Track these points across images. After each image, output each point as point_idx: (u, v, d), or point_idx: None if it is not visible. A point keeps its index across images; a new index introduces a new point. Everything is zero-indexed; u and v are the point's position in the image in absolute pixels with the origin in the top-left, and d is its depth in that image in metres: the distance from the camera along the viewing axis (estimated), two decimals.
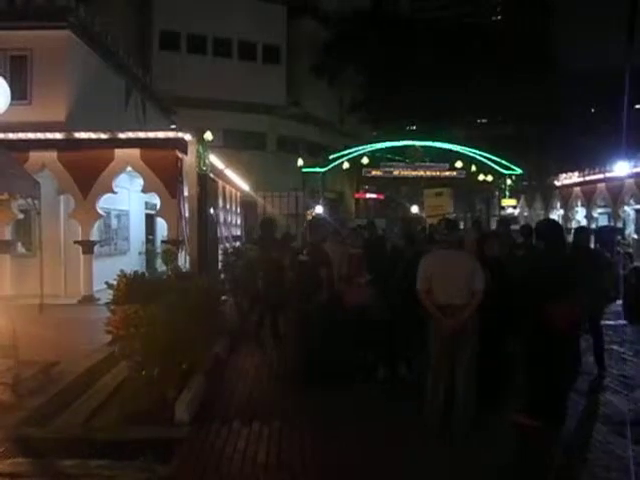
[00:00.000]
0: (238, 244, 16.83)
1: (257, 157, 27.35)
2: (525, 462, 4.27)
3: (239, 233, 18.33)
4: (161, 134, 10.85)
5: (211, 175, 11.49)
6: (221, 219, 14.80)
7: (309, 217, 21.06)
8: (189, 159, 10.15)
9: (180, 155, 10.48)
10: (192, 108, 23.69)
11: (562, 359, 4.77)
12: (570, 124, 26.71)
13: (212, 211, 10.81)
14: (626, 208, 21.86)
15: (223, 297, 8.29)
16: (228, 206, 16.60)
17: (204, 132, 17.20)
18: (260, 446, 4.40)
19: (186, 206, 10.29)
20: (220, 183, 14.71)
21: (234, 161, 17.44)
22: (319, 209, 24.48)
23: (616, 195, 21.39)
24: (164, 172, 10.46)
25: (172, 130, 11.49)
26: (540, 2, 62.56)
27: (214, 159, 12.55)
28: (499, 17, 74.08)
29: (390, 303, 5.62)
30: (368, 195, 38.04)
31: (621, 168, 19.79)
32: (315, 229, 6.11)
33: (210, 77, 26.30)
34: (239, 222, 18.99)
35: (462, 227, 22.61)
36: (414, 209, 29.42)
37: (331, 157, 26.71)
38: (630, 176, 19.95)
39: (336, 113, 34.07)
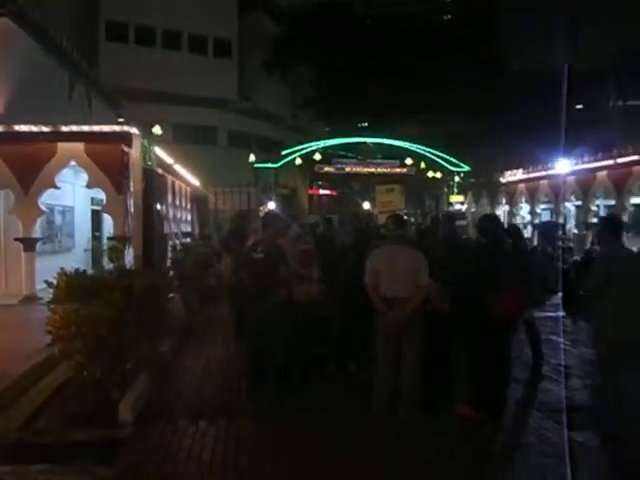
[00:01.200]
0: (188, 240, 16.58)
1: (208, 152, 26.98)
2: (468, 452, 4.40)
3: (189, 229, 18.05)
4: (106, 128, 10.53)
5: (159, 170, 11.27)
6: (170, 215, 14.54)
7: (262, 213, 20.95)
8: (134, 153, 9.91)
9: (126, 149, 10.21)
10: (141, 102, 23.10)
11: (503, 350, 4.94)
12: (516, 123, 27.55)
13: (159, 207, 10.60)
14: (567, 204, 22.81)
15: (170, 295, 8.15)
16: (178, 202, 16.30)
17: (153, 126, 16.85)
18: (205, 445, 4.36)
19: (132, 202, 10.06)
20: (169, 178, 14.44)
21: (184, 156, 17.15)
22: (272, 205, 24.39)
23: (558, 192, 22.28)
24: (109, 167, 10.16)
25: (119, 124, 11.19)
26: (488, 5, 64.23)
27: (163, 154, 12.31)
28: (449, 16, 75.67)
29: (338, 299, 5.67)
30: (321, 191, 38.19)
31: (562, 166, 20.60)
32: (270, 225, 5.90)
33: (159, 70, 25.67)
34: (189, 218, 18.69)
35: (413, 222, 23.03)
36: (366, 205, 29.72)
37: (283, 153, 26.65)
38: (571, 174, 20.81)
39: (289, 109, 34.00)
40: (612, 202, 20.16)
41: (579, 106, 37.37)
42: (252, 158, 25.18)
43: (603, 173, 20.12)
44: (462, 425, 4.73)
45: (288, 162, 26.71)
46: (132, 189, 10.19)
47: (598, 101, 37.73)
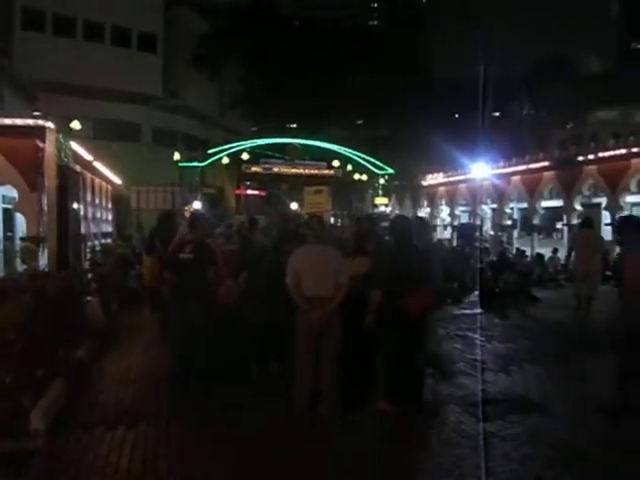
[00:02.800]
0: (109, 241, 15.97)
1: (131, 149, 26.10)
2: (388, 445, 4.53)
3: (109, 229, 17.37)
4: (19, 121, 9.89)
5: (77, 167, 10.77)
6: (89, 215, 13.93)
7: (187, 213, 20.51)
8: (49, 149, 9.41)
9: (41, 145, 9.67)
10: (59, 95, 21.99)
11: (415, 345, 5.12)
12: (438, 128, 28.66)
13: (76, 206, 10.13)
14: (484, 207, 23.96)
15: (88, 298, 7.83)
16: (97, 201, 15.64)
17: (71, 120, 16.07)
18: (123, 452, 4.23)
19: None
20: (88, 176, 13.83)
21: (105, 153, 16.50)
22: (198, 205, 23.93)
23: (475, 195, 23.35)
24: (22, 163, 9.55)
25: (33, 117, 10.58)
26: (413, 12, 66.27)
27: (81, 150, 11.77)
28: (376, 22, 77.30)
29: (260, 300, 5.66)
30: (249, 191, 37.88)
31: (479, 170, 21.61)
32: (198, 225, 5.72)
33: (80, 62, 24.48)
34: (110, 218, 17.99)
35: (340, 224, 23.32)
36: (294, 206, 29.83)
37: (210, 152, 26.23)
38: (487, 178, 21.88)
39: (216, 107, 33.50)
40: (525, 205, 21.40)
41: (496, 113, 39.49)
42: (177, 156, 24.60)
43: (517, 178, 21.32)
44: (381, 420, 4.87)
45: (215, 161, 26.31)
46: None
47: (513, 109, 40.00)
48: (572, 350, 7.60)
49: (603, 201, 18.42)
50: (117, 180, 17.96)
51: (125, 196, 20.17)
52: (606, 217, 18.10)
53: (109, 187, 17.96)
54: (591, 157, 18.27)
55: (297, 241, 5.28)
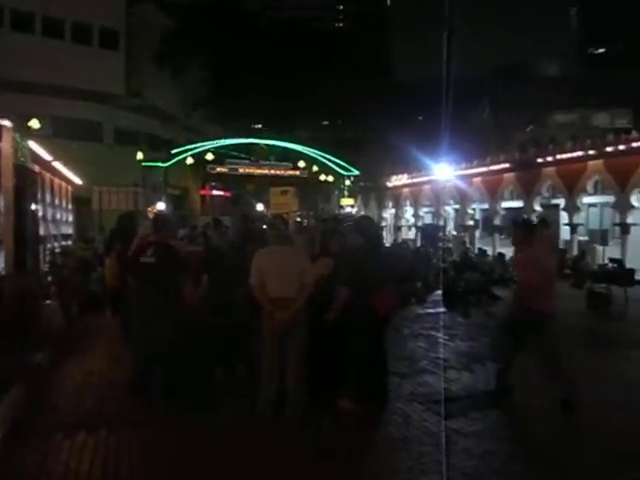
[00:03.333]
0: (69, 243, 15.61)
1: (92, 149, 25.54)
2: (351, 444, 4.56)
3: (70, 231, 16.95)
4: None
5: (35, 167, 10.48)
6: (48, 216, 13.58)
7: (151, 214, 20.19)
8: (4, 148, 9.13)
9: None
10: (17, 92, 21.36)
11: (380, 343, 5.18)
12: (402, 129, 29.03)
13: (34, 207, 9.85)
14: (447, 207, 24.37)
15: (47, 301, 7.63)
16: (57, 202, 15.25)
17: (30, 119, 15.61)
18: (84, 457, 4.13)
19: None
20: (47, 176, 13.48)
21: (65, 152, 16.09)
22: (161, 205, 23.60)
23: (438, 196, 23.74)
24: None
25: None
26: (379, 15, 66.84)
27: (40, 149, 11.45)
28: (341, 24, 77.72)
29: (222, 301, 5.62)
30: (215, 192, 37.53)
31: (443, 172, 21.98)
32: (161, 226, 5.52)
33: (38, 59, 23.84)
34: (70, 219, 17.56)
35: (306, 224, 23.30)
36: (260, 207, 29.73)
37: (174, 152, 25.91)
38: (450, 179, 22.28)
39: (180, 106, 33.08)
40: (486, 206, 21.86)
41: (459, 116, 40.13)
42: (140, 156, 24.19)
43: (478, 179, 21.76)
44: (345, 419, 4.90)
45: (179, 162, 26.00)
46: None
47: (475, 112, 40.82)
48: (533, 347, 7.79)
49: (562, 202, 18.98)
50: (78, 180, 17.54)
51: (86, 197, 19.70)
52: (564, 218, 18.66)
53: (69, 187, 17.53)
54: (550, 159, 18.81)
55: (260, 242, 5.26)
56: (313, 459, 4.25)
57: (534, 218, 19.53)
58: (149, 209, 22.35)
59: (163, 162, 25.65)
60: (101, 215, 20.14)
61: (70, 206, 17.74)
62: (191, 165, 27.06)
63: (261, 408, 4.77)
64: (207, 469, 4.03)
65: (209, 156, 26.37)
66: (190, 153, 25.90)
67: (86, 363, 6.85)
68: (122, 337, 7.32)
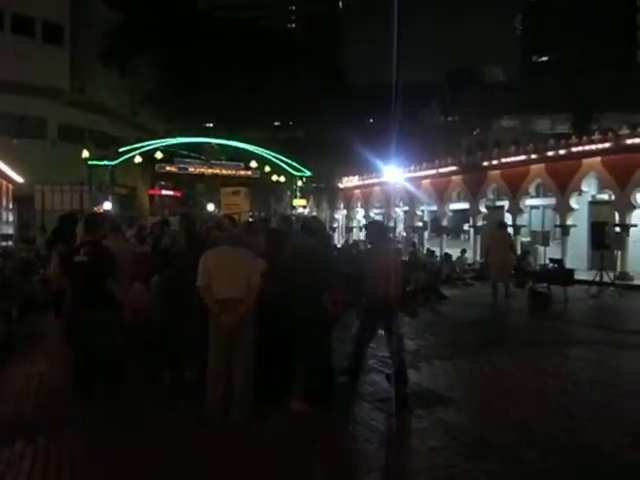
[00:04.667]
0: (10, 243, 15.02)
1: (35, 146, 24.65)
2: (299, 445, 4.59)
3: (10, 231, 16.30)
4: None
5: None
6: None
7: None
8: None
9: None
10: None
11: (329, 343, 5.23)
12: (353, 131, 29.31)
13: None
14: (397, 209, 24.79)
15: None
16: None
17: None
18: (22, 467, 3.98)
19: None
20: None
21: (6, 149, 15.49)
22: (108, 205, 23.00)
23: (388, 197, 24.11)
24: None
25: None
26: (331, 16, 67.21)
27: None
28: (294, 25, 77.78)
29: (171, 303, 5.54)
30: (164, 192, 36.85)
31: (393, 174, 22.34)
32: (93, 225, 5.39)
33: None
34: (11, 219, 16.88)
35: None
36: (210, 207, 29.38)
37: (121, 150, 25.27)
38: (400, 181, 22.67)
39: (128, 104, 32.30)
40: (434, 208, 22.37)
41: (409, 119, 40.94)
42: (86, 154, 23.48)
43: (427, 181, 22.24)
44: (293, 420, 4.93)
45: (127, 160, 25.38)
46: None
47: (425, 115, 41.74)
48: (477, 345, 8.05)
49: (506, 204, 19.62)
50: (19, 178, 16.90)
51: (29, 196, 18.99)
52: (508, 219, 19.30)
53: (10, 186, 16.87)
54: (495, 162, 19.43)
55: (207, 243, 5.21)
56: (257, 460, 4.26)
57: (482, 220, 20.20)
58: (95, 209, 21.74)
59: (110, 160, 24.97)
60: (44, 215, 19.43)
61: (11, 205, 17.07)
62: (139, 164, 26.48)
63: (208, 410, 4.73)
64: (152, 476, 3.97)
65: (158, 155, 25.87)
66: (138, 152, 25.33)
67: (25, 368, 6.60)
68: (64, 340, 7.09)
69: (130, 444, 4.41)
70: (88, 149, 24.39)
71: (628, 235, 15.28)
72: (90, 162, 23.98)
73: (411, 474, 4.09)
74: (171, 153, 27.50)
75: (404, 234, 23.93)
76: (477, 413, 5.38)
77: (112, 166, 25.14)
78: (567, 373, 6.71)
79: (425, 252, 17.91)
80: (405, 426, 4.96)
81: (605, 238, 13.82)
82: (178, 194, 37.07)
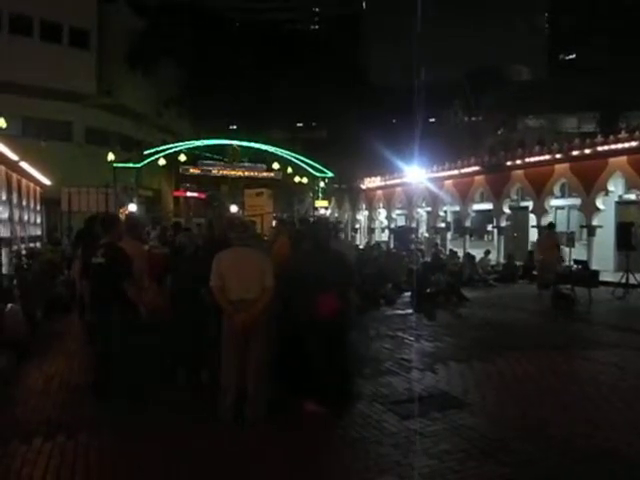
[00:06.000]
0: (38, 245, 15.37)
1: (62, 149, 25.19)
2: (312, 445, 4.60)
3: (38, 233, 16.69)
4: None
5: (1, 167, 10.33)
6: (15, 217, 13.36)
7: (122, 216, 19.97)
8: None
9: None
10: None
11: (336, 345, 5.21)
12: (375, 132, 29.24)
13: None
14: (419, 210, 24.62)
15: (9, 305, 7.50)
16: (24, 202, 15.01)
17: None
18: (38, 464, 4.08)
19: None
20: (14, 177, 13.27)
21: (34, 152, 15.84)
22: (133, 207, 23.35)
23: (411, 198, 23.96)
24: None
25: None
26: (353, 19, 67.08)
27: (5, 149, 11.28)
28: (317, 27, 77.90)
29: (185, 304, 5.61)
30: (189, 194, 37.27)
31: (415, 174, 22.20)
32: (111, 226, 5.47)
33: (6, 58, 23.44)
34: (38, 221, 17.28)
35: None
36: (233, 209, 29.59)
37: (146, 152, 25.64)
38: (423, 182, 22.53)
39: (153, 106, 32.78)
40: (457, 208, 22.15)
41: (432, 119, 40.74)
42: (111, 157, 23.89)
43: (450, 182, 22.03)
44: (306, 421, 4.94)
45: (151, 162, 25.75)
46: None
47: (448, 115, 41.39)
48: (495, 347, 7.95)
49: (530, 204, 19.33)
50: (46, 181, 17.29)
51: (56, 198, 19.40)
52: (532, 220, 19.03)
53: (37, 188, 17.27)
54: (519, 162, 19.15)
55: (223, 244, 5.26)
56: (270, 460, 4.29)
57: (505, 220, 19.93)
58: (121, 211, 22.11)
59: (135, 163, 25.36)
60: (71, 217, 19.85)
61: (38, 207, 17.47)
62: (164, 166, 26.82)
63: (222, 410, 4.78)
64: (165, 475, 4.03)
65: (182, 157, 26.16)
66: (163, 154, 25.66)
67: (47, 368, 6.76)
68: (85, 340, 7.24)
69: (144, 443, 4.49)
70: (114, 152, 24.82)
71: None
72: (116, 165, 24.40)
73: (422, 477, 4.06)
74: (195, 155, 27.80)
75: (426, 235, 23.77)
76: (492, 416, 5.31)
77: (137, 168, 25.54)
78: (587, 376, 6.59)
79: (447, 253, 17.75)
80: (418, 429, 4.93)
81: (631, 239, 13.51)
82: (202, 196, 37.43)
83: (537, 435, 4.81)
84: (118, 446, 4.49)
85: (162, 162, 25.90)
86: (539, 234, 18.15)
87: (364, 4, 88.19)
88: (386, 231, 25.77)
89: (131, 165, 25.28)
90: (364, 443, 4.68)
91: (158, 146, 26.29)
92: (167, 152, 25.76)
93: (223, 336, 4.76)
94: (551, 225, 14.83)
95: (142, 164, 25.49)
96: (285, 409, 5.11)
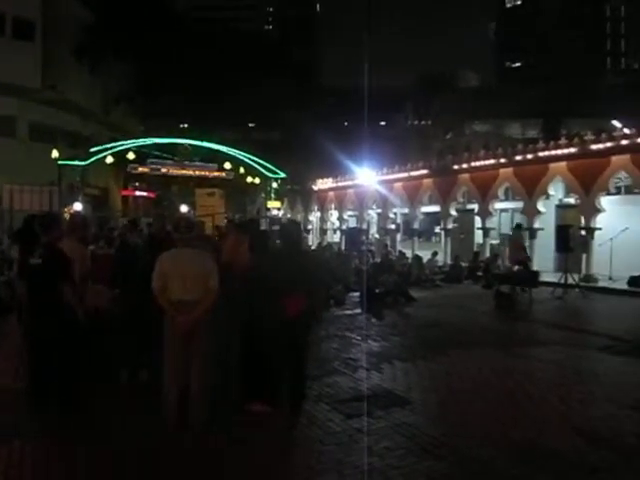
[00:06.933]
0: None
1: (4, 145, 24.14)
2: (255, 445, 4.61)
3: None
4: None
5: None
6: None
7: (67, 215, 19.34)
8: None
9: None
10: None
11: (294, 346, 5.25)
12: (327, 134, 29.45)
13: None
14: (370, 211, 24.96)
15: None
16: None
17: None
18: None
19: None
20: None
21: None
22: (78, 206, 22.64)
23: (362, 200, 24.26)
24: None
25: None
26: (307, 21, 67.28)
27: None
28: (271, 27, 77.67)
29: (128, 305, 5.53)
30: (137, 193, 36.38)
31: (366, 176, 22.50)
32: (46, 225, 5.24)
33: None
34: None
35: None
36: (184, 208, 29.13)
37: (92, 150, 24.89)
38: (373, 184, 22.85)
39: (101, 103, 31.83)
40: (406, 210, 22.59)
41: (383, 122, 41.38)
42: (55, 154, 23.08)
43: (399, 184, 22.44)
44: (250, 421, 4.95)
45: (99, 160, 25.02)
46: None
47: (398, 119, 42.16)
48: (440, 346, 8.17)
49: (475, 207, 19.92)
50: None
51: None
52: (478, 222, 19.61)
53: None
54: (465, 166, 19.70)
55: (167, 244, 5.20)
56: (209, 461, 4.29)
57: (452, 222, 20.41)
58: (65, 210, 21.41)
59: (81, 160, 24.58)
60: (12, 216, 19.04)
61: None
62: (112, 164, 26.12)
63: (164, 412, 4.73)
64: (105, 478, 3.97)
65: (130, 155, 25.54)
66: (110, 152, 24.99)
67: None
68: (23, 343, 6.99)
69: (82, 447, 4.39)
70: (59, 149, 23.98)
71: (593, 238, 15.63)
72: (61, 162, 23.58)
73: (363, 474, 4.14)
74: (144, 154, 27.19)
75: (377, 236, 24.12)
76: (433, 414, 5.46)
77: (83, 166, 24.77)
78: (526, 373, 6.86)
79: (397, 254, 18.07)
80: (361, 427, 5.02)
81: (570, 241, 14.14)
82: (152, 195, 36.65)
83: (475, 431, 4.97)
84: (54, 451, 4.37)
85: (110, 160, 25.22)
86: (484, 236, 18.76)
87: (318, 6, 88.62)
88: (338, 232, 25.99)
89: (77, 163, 24.49)
90: (308, 442, 4.74)
91: (106, 143, 25.58)
92: (115, 150, 25.10)
93: (165, 337, 4.72)
94: (518, 226, 15.45)
95: (88, 162, 24.75)
96: (233, 409, 5.12)
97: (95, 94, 30.47)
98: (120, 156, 25.44)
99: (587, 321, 11.17)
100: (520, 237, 14.67)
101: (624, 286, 14.25)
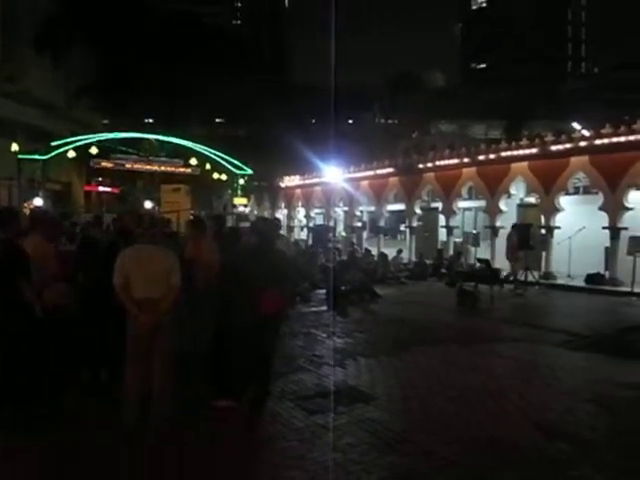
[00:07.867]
0: None
1: None
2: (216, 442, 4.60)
3: None
4: None
5: None
6: None
7: (27, 210, 18.82)
8: None
9: None
10: None
11: (264, 343, 5.25)
12: (295, 131, 29.40)
13: None
14: (337, 209, 25.08)
15: None
16: None
17: None
18: None
19: None
20: None
21: None
22: (39, 201, 22.04)
23: (329, 198, 24.36)
24: None
25: None
26: (275, 16, 67.00)
27: None
28: (239, 22, 77.03)
29: (88, 302, 5.43)
30: (101, 188, 35.60)
31: (333, 174, 22.59)
32: (5, 221, 5.09)
33: None
34: None
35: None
36: (148, 204, 28.66)
37: (53, 144, 24.23)
38: (340, 182, 22.96)
39: (63, 97, 30.97)
40: (372, 208, 22.78)
41: (350, 121, 41.62)
42: (15, 147, 22.39)
43: (366, 182, 22.61)
44: (213, 419, 4.94)
45: (60, 155, 24.36)
46: None
47: (366, 118, 42.47)
48: (403, 342, 8.28)
49: (440, 205, 20.23)
50: None
51: None
52: (442, 220, 19.92)
53: None
54: (430, 165, 19.98)
55: (130, 240, 5.12)
56: (171, 458, 4.26)
57: (417, 221, 20.68)
58: (25, 205, 20.82)
59: (42, 154, 23.90)
60: None
61: None
62: (74, 159, 25.47)
63: (125, 408, 4.66)
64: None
65: (93, 150, 24.96)
66: (72, 146, 24.36)
67: None
68: None
69: (42, 448, 4.31)
70: (18, 142, 23.26)
71: (552, 237, 16.07)
72: (20, 156, 22.89)
73: (325, 470, 4.18)
74: (108, 149, 26.61)
75: (343, 234, 24.25)
76: (396, 410, 5.54)
77: (44, 160, 24.09)
78: (487, 369, 7.02)
79: (363, 252, 18.20)
80: (325, 423, 5.05)
81: (529, 239, 14.51)
82: (116, 191, 35.91)
83: (437, 426, 5.07)
84: (10, 455, 4.26)
85: (72, 154, 24.58)
86: (448, 234, 19.06)
87: (286, 2, 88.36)
88: (305, 229, 26.01)
89: (37, 157, 23.80)
90: (271, 440, 4.75)
91: (67, 137, 24.92)
92: (77, 144, 24.48)
93: (127, 335, 4.65)
94: (514, 227, 15.81)
95: (49, 156, 24.08)
96: (197, 407, 5.09)
97: (57, 87, 29.63)
98: (83, 151, 24.84)
99: (547, 317, 11.47)
100: (515, 236, 14.88)
101: (582, 283, 14.72)
